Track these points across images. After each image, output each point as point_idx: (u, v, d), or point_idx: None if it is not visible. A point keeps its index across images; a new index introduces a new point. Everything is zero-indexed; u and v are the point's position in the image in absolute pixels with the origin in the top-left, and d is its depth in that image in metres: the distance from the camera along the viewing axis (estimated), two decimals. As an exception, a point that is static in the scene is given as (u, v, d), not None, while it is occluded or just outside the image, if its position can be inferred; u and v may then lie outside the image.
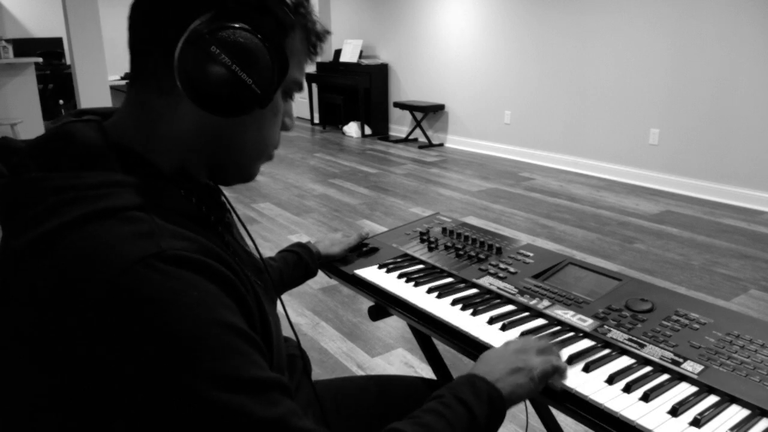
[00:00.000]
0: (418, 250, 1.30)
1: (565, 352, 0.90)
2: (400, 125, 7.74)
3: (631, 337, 0.93)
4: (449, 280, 1.17)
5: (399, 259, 1.26)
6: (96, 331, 0.51)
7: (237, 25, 0.60)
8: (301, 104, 9.18)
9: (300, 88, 0.73)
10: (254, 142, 0.70)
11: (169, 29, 0.60)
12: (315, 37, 0.71)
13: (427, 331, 1.05)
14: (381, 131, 7.82)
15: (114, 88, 6.65)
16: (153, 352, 0.51)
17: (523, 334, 0.96)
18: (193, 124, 0.65)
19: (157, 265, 0.54)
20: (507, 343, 0.86)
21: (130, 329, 0.51)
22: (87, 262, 0.53)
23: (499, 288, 1.11)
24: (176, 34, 0.59)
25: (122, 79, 7.60)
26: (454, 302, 1.07)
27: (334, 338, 2.51)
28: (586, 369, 0.86)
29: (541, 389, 0.80)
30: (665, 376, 0.85)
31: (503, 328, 0.98)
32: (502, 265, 1.20)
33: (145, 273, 0.53)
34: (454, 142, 6.98)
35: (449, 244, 1.31)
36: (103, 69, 5.89)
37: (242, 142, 0.69)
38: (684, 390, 0.81)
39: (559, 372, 0.82)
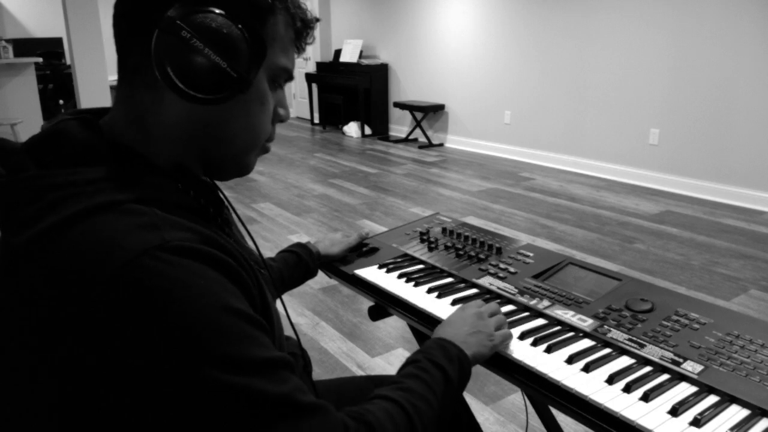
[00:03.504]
0: (418, 250, 1.30)
1: (565, 352, 0.90)
2: (400, 125, 7.74)
3: (631, 337, 0.93)
4: (449, 280, 1.17)
5: (399, 259, 1.26)
6: (104, 325, 0.51)
7: (208, 10, 0.60)
8: (301, 104, 9.18)
9: (288, 76, 0.72)
10: (244, 132, 0.69)
11: (147, 20, 0.60)
12: (300, 22, 0.71)
13: (427, 331, 1.05)
14: (381, 131, 7.81)
15: (114, 88, 6.64)
16: (164, 342, 0.52)
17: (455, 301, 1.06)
18: (181, 117, 0.65)
19: (162, 256, 0.54)
20: (463, 308, 0.96)
21: (139, 321, 0.51)
22: (90, 255, 0.53)
23: (499, 288, 1.11)
24: (153, 25, 0.59)
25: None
26: (454, 302, 1.07)
27: (334, 338, 2.51)
28: (586, 369, 0.86)
29: (495, 351, 0.91)
30: (665, 376, 0.84)
31: (503, 328, 0.98)
32: (502, 265, 1.20)
33: (151, 264, 0.53)
34: (454, 142, 6.98)
35: (449, 244, 1.31)
36: (103, 69, 5.88)
37: (231, 133, 0.68)
38: (684, 390, 0.81)
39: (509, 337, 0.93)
